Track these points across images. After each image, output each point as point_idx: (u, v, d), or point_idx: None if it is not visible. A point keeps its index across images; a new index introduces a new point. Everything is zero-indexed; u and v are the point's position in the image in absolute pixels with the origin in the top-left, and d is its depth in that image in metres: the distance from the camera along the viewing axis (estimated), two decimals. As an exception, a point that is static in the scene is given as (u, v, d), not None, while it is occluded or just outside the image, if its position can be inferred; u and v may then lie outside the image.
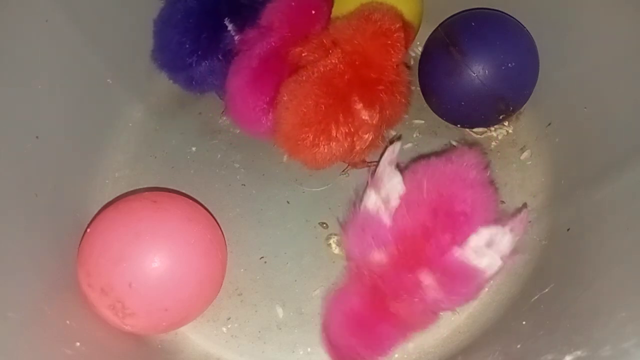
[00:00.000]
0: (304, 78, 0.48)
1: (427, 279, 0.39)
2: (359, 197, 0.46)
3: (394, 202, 0.42)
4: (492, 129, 0.57)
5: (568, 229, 0.47)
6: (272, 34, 0.52)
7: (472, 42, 0.52)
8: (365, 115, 0.47)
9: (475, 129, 0.58)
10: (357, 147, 0.48)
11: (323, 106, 0.46)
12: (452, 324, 0.48)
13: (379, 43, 0.47)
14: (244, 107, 0.53)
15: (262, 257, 0.52)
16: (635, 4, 0.45)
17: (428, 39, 0.58)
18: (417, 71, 0.58)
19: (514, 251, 0.42)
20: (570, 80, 0.52)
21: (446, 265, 0.39)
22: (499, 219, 0.43)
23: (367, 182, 0.46)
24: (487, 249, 0.40)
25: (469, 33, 0.53)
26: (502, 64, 0.51)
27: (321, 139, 0.47)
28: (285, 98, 0.48)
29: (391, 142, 0.53)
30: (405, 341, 0.43)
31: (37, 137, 0.48)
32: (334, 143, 0.47)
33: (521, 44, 0.53)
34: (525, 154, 0.56)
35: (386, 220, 0.41)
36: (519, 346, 0.41)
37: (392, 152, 0.47)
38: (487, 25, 0.53)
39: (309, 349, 0.48)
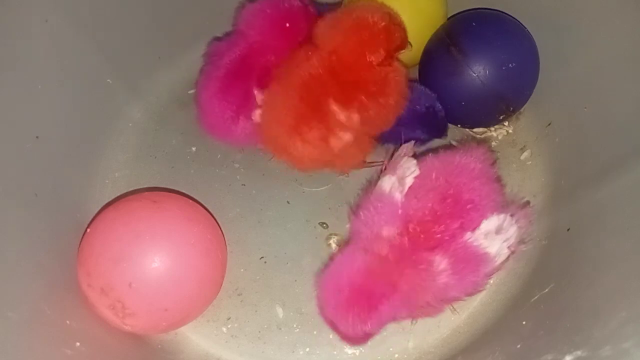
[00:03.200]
0: (283, 80, 0.48)
1: (441, 263, 0.40)
2: (373, 183, 0.46)
3: (409, 181, 0.43)
4: (492, 129, 0.57)
5: (568, 229, 0.47)
6: (239, 42, 0.53)
7: (472, 42, 0.52)
8: (341, 116, 0.46)
9: (476, 129, 0.58)
10: (336, 149, 0.48)
11: (296, 109, 0.47)
12: (452, 324, 0.48)
13: (355, 40, 0.47)
14: (213, 117, 0.53)
15: (262, 257, 0.52)
16: (635, 4, 0.45)
17: (429, 39, 0.58)
18: (417, 71, 0.58)
19: (519, 243, 0.43)
20: (570, 80, 0.52)
21: (459, 250, 0.40)
22: (506, 209, 0.43)
23: (383, 168, 0.46)
24: (497, 236, 0.41)
25: (469, 33, 0.53)
26: (503, 64, 0.51)
27: (296, 140, 0.47)
28: (266, 99, 0.50)
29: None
30: (402, 319, 0.43)
31: (37, 137, 0.48)
32: (308, 145, 0.47)
33: (522, 44, 0.53)
34: (525, 154, 0.56)
35: (398, 197, 0.42)
36: (519, 346, 0.41)
37: (409, 145, 0.47)
38: (488, 25, 0.53)
39: (308, 349, 0.48)
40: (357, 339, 0.42)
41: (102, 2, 0.54)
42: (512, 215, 0.42)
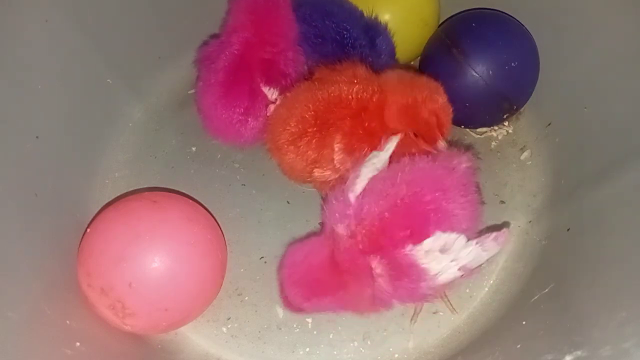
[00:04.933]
0: (315, 86, 0.47)
1: (378, 268, 0.40)
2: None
3: (362, 182, 0.42)
4: (492, 128, 0.57)
5: (568, 229, 0.47)
6: (233, 42, 0.52)
7: (474, 42, 0.52)
8: (337, 156, 0.46)
9: (477, 129, 0.58)
10: (316, 175, 0.47)
11: (306, 122, 0.46)
12: (452, 324, 0.48)
13: (399, 98, 0.44)
14: (220, 123, 0.53)
15: (262, 257, 0.52)
16: (635, 4, 0.45)
17: (428, 41, 0.58)
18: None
19: (477, 267, 0.41)
20: (570, 80, 0.52)
21: (397, 259, 0.39)
22: (471, 227, 0.42)
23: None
24: (441, 255, 0.39)
25: (470, 34, 0.53)
26: (505, 63, 0.51)
27: (290, 149, 0.47)
28: (289, 94, 0.49)
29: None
30: (344, 311, 0.43)
31: (37, 137, 0.48)
32: (299, 159, 0.47)
33: (522, 43, 0.53)
34: (525, 154, 0.56)
35: (351, 198, 0.41)
36: (519, 346, 0.41)
37: (391, 144, 0.45)
38: (488, 25, 0.53)
39: (308, 349, 0.48)
40: (293, 309, 0.45)
41: (103, 2, 0.54)
42: (471, 238, 0.41)
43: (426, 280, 0.40)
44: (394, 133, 0.45)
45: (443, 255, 0.39)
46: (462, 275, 0.41)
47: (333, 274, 0.41)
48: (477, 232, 0.42)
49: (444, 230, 0.40)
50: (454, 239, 0.40)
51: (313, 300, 0.42)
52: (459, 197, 0.41)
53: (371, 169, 0.42)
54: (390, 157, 0.44)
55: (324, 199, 0.45)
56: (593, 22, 0.49)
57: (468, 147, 0.54)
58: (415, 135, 0.45)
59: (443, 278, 0.40)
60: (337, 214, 0.42)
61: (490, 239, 0.41)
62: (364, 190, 0.42)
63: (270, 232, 0.53)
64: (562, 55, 0.52)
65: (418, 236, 0.39)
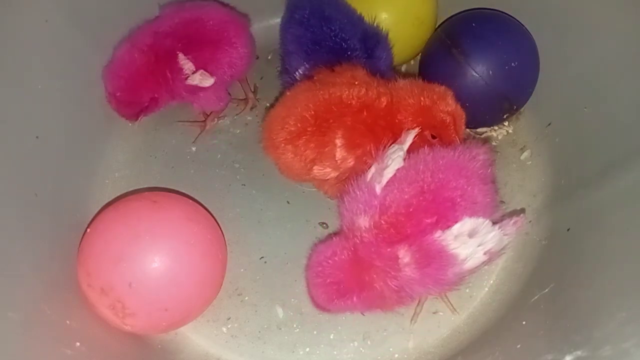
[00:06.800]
0: (316, 87, 0.47)
1: (405, 257, 0.39)
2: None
3: (389, 173, 0.42)
4: (493, 128, 0.57)
5: (568, 229, 0.47)
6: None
7: (474, 42, 0.52)
8: (339, 154, 0.46)
9: (477, 129, 0.58)
10: (316, 172, 0.47)
11: (305, 121, 0.46)
12: (452, 324, 0.48)
13: (416, 98, 0.45)
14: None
15: (262, 257, 0.52)
16: (635, 4, 0.45)
17: (428, 41, 0.58)
18: (418, 75, 0.58)
19: (502, 250, 0.42)
20: (570, 80, 0.52)
21: (425, 246, 0.39)
22: (491, 215, 0.42)
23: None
24: (470, 239, 0.40)
25: (470, 34, 0.53)
26: (505, 63, 0.51)
27: (288, 148, 0.47)
28: (287, 93, 0.48)
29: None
30: (369, 311, 0.43)
31: (37, 137, 0.48)
32: (297, 159, 0.47)
33: (522, 43, 0.53)
34: (525, 154, 0.56)
35: (377, 189, 0.42)
36: (519, 346, 0.41)
37: (410, 137, 0.45)
38: (488, 25, 0.53)
39: (308, 349, 0.48)
40: (320, 308, 0.44)
41: (103, 3, 0.55)
42: (494, 222, 0.41)
43: (454, 266, 0.40)
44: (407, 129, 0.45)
45: (471, 239, 0.40)
46: (485, 261, 0.41)
47: (356, 275, 0.41)
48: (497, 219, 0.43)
49: (470, 216, 0.40)
50: (482, 223, 0.40)
51: (337, 302, 0.42)
52: (481, 184, 0.42)
53: (398, 162, 0.43)
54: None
55: (344, 192, 0.45)
56: (593, 22, 0.49)
57: (485, 140, 0.54)
58: (433, 136, 0.46)
59: (470, 264, 0.40)
60: (360, 205, 0.42)
61: (510, 224, 0.42)
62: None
63: (270, 232, 0.53)
64: (562, 55, 0.52)
65: (445, 222, 0.40)
